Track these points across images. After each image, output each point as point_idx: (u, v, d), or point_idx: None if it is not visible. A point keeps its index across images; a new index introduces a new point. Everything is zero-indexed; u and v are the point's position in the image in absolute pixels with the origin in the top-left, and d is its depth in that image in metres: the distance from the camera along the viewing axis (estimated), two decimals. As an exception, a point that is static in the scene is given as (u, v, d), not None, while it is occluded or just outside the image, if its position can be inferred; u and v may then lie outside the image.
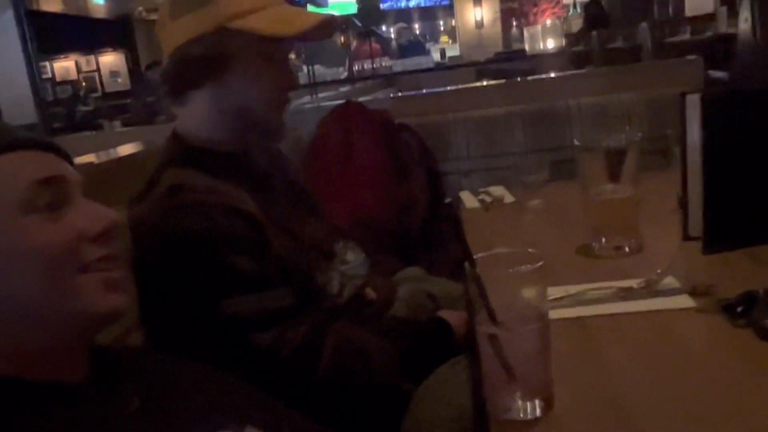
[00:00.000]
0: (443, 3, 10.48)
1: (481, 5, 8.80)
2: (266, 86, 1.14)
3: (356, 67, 7.85)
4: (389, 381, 1.12)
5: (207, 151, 1.14)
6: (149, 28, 7.46)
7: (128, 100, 7.37)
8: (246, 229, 1.05)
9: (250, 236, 1.05)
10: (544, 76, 3.01)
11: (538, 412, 0.75)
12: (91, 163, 1.47)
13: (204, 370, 0.84)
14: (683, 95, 1.17)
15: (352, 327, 1.13)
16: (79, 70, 9.53)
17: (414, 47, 8.79)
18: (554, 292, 0.99)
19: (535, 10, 9.68)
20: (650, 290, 1.03)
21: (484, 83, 3.17)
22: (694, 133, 1.17)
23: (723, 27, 5.74)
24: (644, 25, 5.98)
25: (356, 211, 1.85)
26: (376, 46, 8.36)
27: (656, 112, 2.28)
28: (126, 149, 1.98)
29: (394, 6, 11.00)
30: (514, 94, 2.69)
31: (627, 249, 1.21)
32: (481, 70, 5.70)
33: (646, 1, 7.30)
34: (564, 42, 6.47)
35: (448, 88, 2.96)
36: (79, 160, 1.40)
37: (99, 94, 9.05)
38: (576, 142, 1.30)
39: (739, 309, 0.89)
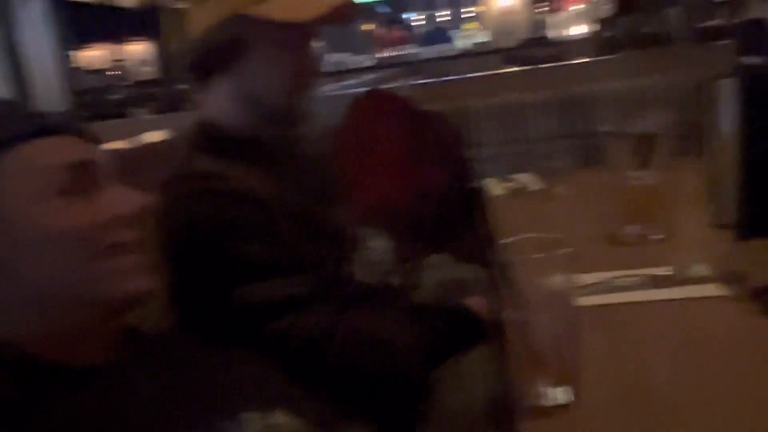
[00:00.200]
0: (469, -12, 10.38)
1: (507, -10, 8.69)
2: (283, 72, 1.14)
3: (381, 55, 7.82)
4: (409, 369, 1.12)
5: (228, 138, 1.15)
6: (177, 16, 7.51)
7: (156, 89, 7.43)
8: (261, 217, 1.05)
9: (265, 224, 1.05)
10: (571, 61, 2.97)
11: (566, 398, 0.74)
12: (117, 150, 1.49)
13: (228, 354, 0.85)
14: (715, 80, 1.15)
15: (369, 315, 1.13)
16: (107, 59, 9.63)
17: (439, 34, 8.73)
18: (582, 279, 0.98)
19: (563, -6, 9.54)
20: (680, 278, 1.01)
21: (511, 69, 3.14)
22: (726, 119, 1.15)
23: (757, 11, 5.60)
24: (674, 9, 5.85)
25: (381, 198, 1.85)
26: (401, 33, 8.31)
27: (686, 98, 2.24)
28: (153, 136, 2.00)
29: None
30: (541, 80, 2.66)
31: (655, 236, 1.20)
32: (508, 56, 5.63)
33: (677, -15, 7.14)
34: (592, 27, 6.37)
35: (474, 74, 2.93)
36: (107, 146, 1.41)
37: (127, 82, 9.14)
38: (605, 128, 1.28)
39: (771, 297, 0.88)
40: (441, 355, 1.14)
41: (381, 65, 6.90)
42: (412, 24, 9.55)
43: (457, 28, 9.16)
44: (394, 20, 8.50)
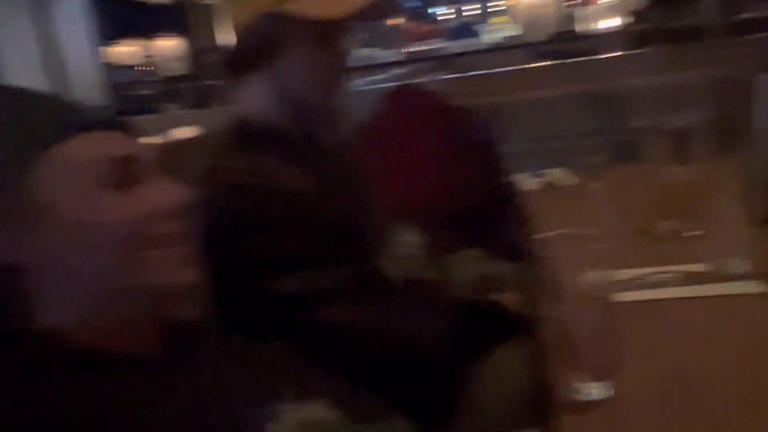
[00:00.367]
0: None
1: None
2: (317, 69, 1.15)
3: (409, 49, 7.81)
4: (443, 362, 1.13)
5: (263, 134, 1.16)
6: (206, 12, 7.57)
7: (186, 85, 7.51)
8: (296, 212, 1.06)
9: (300, 219, 1.06)
10: (602, 55, 2.93)
11: (603, 393, 0.74)
12: (153, 144, 1.51)
13: (265, 345, 0.86)
14: (751, 74, 1.13)
15: (404, 308, 1.14)
16: (138, 54, 9.76)
17: (467, 28, 8.69)
18: (618, 275, 0.98)
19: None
20: (717, 274, 1.00)
21: (542, 63, 3.11)
22: (763, 113, 1.13)
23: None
24: (708, 1, 5.74)
25: (412, 193, 1.85)
26: (428, 27, 8.29)
27: (723, 93, 2.20)
28: (183, 132, 2.03)
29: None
30: (573, 74, 2.63)
31: (692, 232, 1.19)
32: (538, 50, 5.58)
33: (711, -22, 7.00)
34: (624, 21, 6.29)
35: (505, 68, 2.91)
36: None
37: (158, 78, 9.26)
38: (640, 123, 1.27)
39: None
40: (474, 350, 1.14)
41: (408, 60, 6.89)
42: (440, 18, 9.51)
43: (485, 22, 9.10)
44: (421, 14, 8.48)
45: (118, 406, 0.65)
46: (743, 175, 1.22)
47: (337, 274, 1.05)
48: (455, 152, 2.06)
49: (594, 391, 0.74)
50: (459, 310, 1.22)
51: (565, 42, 5.80)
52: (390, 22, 8.51)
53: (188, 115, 4.31)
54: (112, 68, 7.38)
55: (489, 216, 2.00)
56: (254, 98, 1.17)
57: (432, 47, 7.70)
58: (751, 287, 0.96)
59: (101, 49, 6.44)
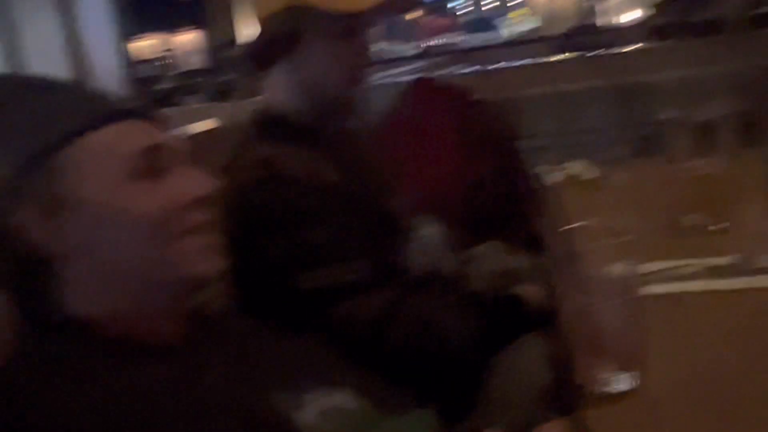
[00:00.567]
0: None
1: (555, -23, 8.52)
2: (339, 62, 1.15)
3: (427, 43, 7.78)
4: (465, 354, 1.13)
5: (286, 125, 1.16)
6: (226, 6, 7.59)
7: (205, 78, 7.55)
8: (325, 203, 1.07)
9: (329, 209, 1.07)
10: (623, 49, 2.90)
11: (628, 384, 0.74)
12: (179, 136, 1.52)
13: (288, 336, 0.87)
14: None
15: (426, 301, 1.14)
16: (157, 49, 9.82)
17: (486, 22, 8.64)
18: (643, 268, 0.97)
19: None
20: (743, 268, 0.99)
21: (562, 57, 3.08)
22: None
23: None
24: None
25: (432, 185, 1.85)
26: (445, 20, 8.26)
27: (747, 86, 2.17)
28: (203, 125, 2.04)
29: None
30: (594, 68, 2.62)
31: (717, 226, 1.18)
32: (557, 43, 5.54)
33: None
34: (645, 13, 6.22)
35: (525, 62, 2.90)
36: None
37: (176, 72, 9.30)
38: (666, 116, 1.26)
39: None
40: (495, 343, 1.14)
41: (427, 54, 6.87)
42: (459, 12, 9.45)
43: (504, 15, 9.03)
44: (440, 8, 8.44)
45: (146, 394, 0.66)
46: (768, 168, 1.21)
47: (360, 266, 1.05)
48: (476, 145, 2.05)
49: (619, 382, 0.74)
50: (480, 303, 1.22)
51: (585, 35, 5.74)
52: (409, 15, 8.48)
53: (209, 109, 4.34)
54: (133, 62, 7.43)
55: (510, 209, 1.99)
56: (278, 90, 1.18)
57: (451, 41, 7.67)
58: (777, 281, 0.95)
59: (123, 43, 6.50)
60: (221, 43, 7.38)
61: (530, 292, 1.26)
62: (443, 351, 1.09)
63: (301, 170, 1.08)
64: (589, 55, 2.81)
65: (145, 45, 8.75)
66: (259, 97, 1.22)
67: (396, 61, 5.26)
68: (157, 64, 8.56)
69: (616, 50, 2.96)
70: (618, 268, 0.76)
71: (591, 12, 6.91)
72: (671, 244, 1.15)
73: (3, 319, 0.72)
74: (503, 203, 2.02)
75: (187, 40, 8.65)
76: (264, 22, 1.14)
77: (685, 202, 1.21)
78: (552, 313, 1.03)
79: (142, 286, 0.72)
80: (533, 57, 3.17)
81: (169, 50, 8.67)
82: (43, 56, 5.33)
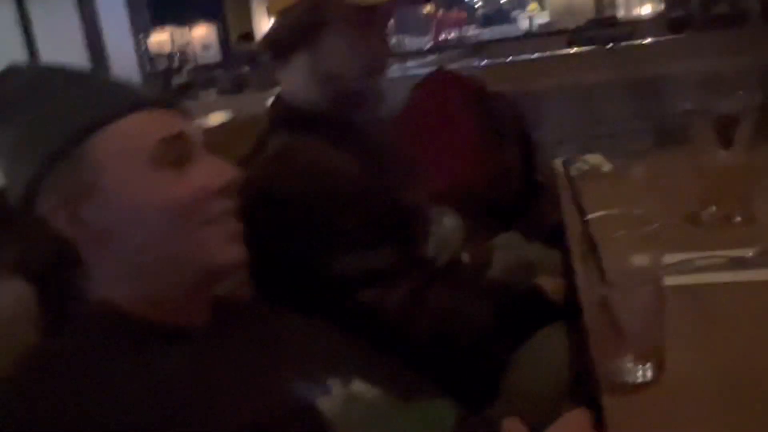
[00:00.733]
0: (532, -32, 10.13)
1: (572, -31, 8.43)
2: (359, 53, 1.15)
3: (441, 37, 7.74)
4: (486, 344, 1.13)
5: (308, 114, 1.17)
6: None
7: (219, 72, 7.57)
8: (349, 191, 1.08)
9: (354, 198, 1.07)
10: (644, 40, 2.87)
11: (649, 375, 0.74)
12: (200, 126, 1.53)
13: (311, 323, 0.88)
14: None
15: (448, 291, 1.15)
16: (173, 42, 9.85)
17: (500, 15, 8.58)
18: (663, 259, 0.97)
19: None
20: (765, 259, 0.99)
21: (581, 49, 3.06)
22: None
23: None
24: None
25: (450, 177, 1.85)
26: (461, 14, 8.21)
27: (763, 79, 2.15)
28: (218, 117, 2.05)
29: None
30: (611, 60, 2.60)
31: (738, 218, 1.17)
32: (573, 37, 5.50)
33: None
34: (662, 6, 6.16)
35: (542, 54, 2.88)
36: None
37: (191, 66, 9.33)
38: (686, 107, 1.25)
39: None
40: (514, 334, 1.14)
41: (442, 47, 6.84)
42: (476, 5, 9.40)
43: (521, 8, 8.97)
44: (457, 1, 8.39)
45: (170, 377, 0.67)
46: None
47: (384, 254, 1.06)
48: (493, 137, 2.05)
49: (641, 372, 0.74)
50: (502, 294, 1.22)
51: (600, 28, 5.69)
52: (425, 8, 8.44)
53: (225, 101, 4.35)
54: (150, 55, 7.47)
55: (525, 201, 1.99)
56: (296, 81, 1.18)
57: (468, 34, 7.63)
58: (799, 273, 0.94)
59: (140, 36, 6.54)
60: (239, 35, 7.40)
61: (550, 283, 1.27)
62: (465, 340, 1.09)
63: (321, 160, 1.09)
64: (608, 47, 2.78)
65: (160, 39, 8.78)
66: (275, 89, 1.23)
67: (412, 55, 5.25)
68: (174, 57, 8.60)
69: (636, 42, 2.93)
70: (640, 259, 0.75)
71: (611, 4, 6.84)
72: (691, 235, 1.14)
73: (29, 306, 0.73)
74: (522, 194, 2.02)
75: (204, 33, 8.68)
76: (282, 14, 1.15)
77: (705, 195, 1.20)
78: (573, 304, 1.03)
79: (165, 273, 0.73)
80: (551, 50, 3.15)
81: (186, 44, 8.70)
82: (61, 49, 5.38)
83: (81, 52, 5.49)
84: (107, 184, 0.71)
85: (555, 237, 1.38)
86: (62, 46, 5.40)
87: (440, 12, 8.38)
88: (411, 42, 7.38)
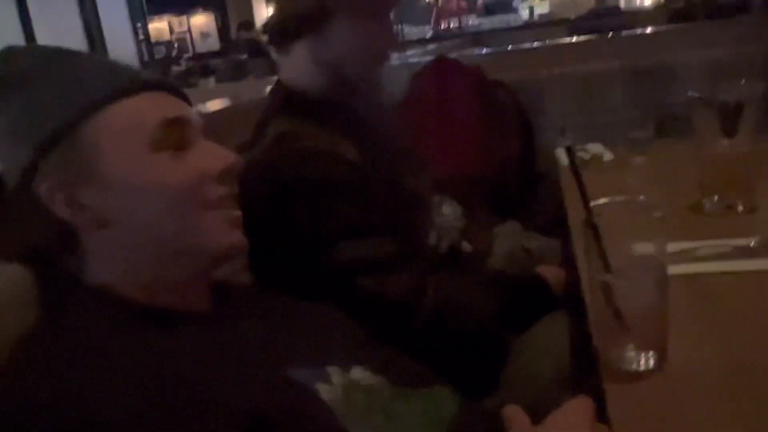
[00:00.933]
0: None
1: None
2: (365, 42, 1.15)
3: (442, 26, 7.72)
4: (488, 331, 1.13)
5: (309, 100, 1.16)
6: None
7: (218, 60, 7.55)
8: (351, 177, 1.07)
9: (355, 184, 1.07)
10: (645, 30, 2.86)
11: (651, 364, 0.73)
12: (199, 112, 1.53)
13: (311, 309, 0.87)
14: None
15: (452, 278, 1.14)
16: (171, 31, 9.83)
17: (501, 4, 8.55)
18: (666, 247, 0.96)
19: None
20: (767, 249, 0.98)
21: (580, 38, 3.04)
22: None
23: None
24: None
25: (451, 165, 1.84)
26: (461, 3, 8.19)
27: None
28: (216, 104, 2.04)
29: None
30: (612, 49, 2.58)
31: (741, 207, 1.16)
32: (574, 27, 5.47)
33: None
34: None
35: (542, 43, 2.86)
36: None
37: (190, 54, 9.31)
38: (689, 97, 1.24)
39: None
40: (516, 322, 1.14)
41: (442, 36, 6.83)
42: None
43: (522, -2, 8.92)
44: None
45: (171, 361, 0.66)
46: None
47: (386, 241, 1.05)
48: (494, 125, 2.04)
49: (644, 360, 0.73)
50: (499, 283, 1.22)
51: (601, 18, 5.67)
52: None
53: (223, 89, 4.34)
54: (149, 43, 7.45)
55: (525, 190, 1.98)
56: (299, 68, 1.17)
57: (469, 23, 7.61)
58: (802, 262, 0.93)
59: (139, 24, 6.52)
60: (238, 24, 7.37)
61: (550, 272, 1.26)
62: (465, 328, 1.09)
63: (321, 146, 1.08)
64: (611, 35, 2.76)
65: (161, 27, 8.74)
66: (274, 77, 1.22)
67: (412, 44, 5.23)
68: (174, 44, 8.57)
69: (638, 31, 2.91)
70: (643, 247, 0.75)
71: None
72: (694, 224, 1.14)
73: (27, 291, 0.73)
74: (522, 183, 2.01)
75: (203, 21, 8.66)
76: (285, 0, 1.14)
77: (708, 184, 1.19)
78: (574, 293, 1.02)
79: (164, 257, 0.72)
80: (553, 39, 3.14)
81: (184, 32, 8.67)
82: (59, 37, 5.36)
83: (79, 39, 5.47)
84: (106, 166, 0.70)
85: (555, 226, 1.38)
86: (60, 34, 5.38)
87: (441, 1, 8.35)
88: (411, 31, 7.35)
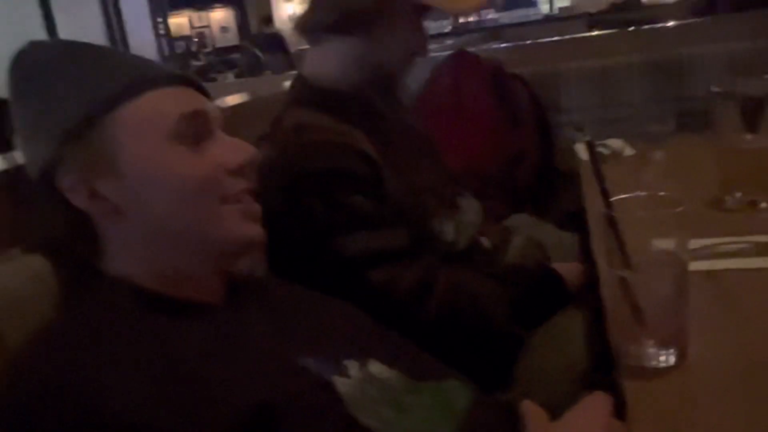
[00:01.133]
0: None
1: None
2: (406, 44, 1.17)
3: (461, 20, 7.67)
4: (501, 326, 1.13)
5: (331, 94, 1.16)
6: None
7: (237, 55, 7.58)
8: (365, 170, 1.07)
9: (369, 177, 1.07)
10: (666, 23, 2.81)
11: (671, 360, 0.73)
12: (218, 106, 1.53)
13: (327, 302, 0.87)
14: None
15: (464, 272, 1.14)
16: (191, 26, 9.89)
17: (521, -1, 8.49)
18: (687, 244, 0.95)
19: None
20: (790, 246, 0.97)
21: (600, 32, 3.00)
22: None
23: None
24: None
25: (467, 158, 1.84)
26: (482, -2, 8.12)
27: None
28: (235, 99, 2.04)
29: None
30: (633, 43, 2.54)
31: (763, 204, 1.14)
32: (594, 21, 5.41)
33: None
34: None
35: (562, 37, 2.83)
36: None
37: (210, 49, 9.36)
38: (711, 91, 1.22)
39: None
40: (533, 315, 1.14)
41: (461, 30, 6.78)
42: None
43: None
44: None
45: (186, 351, 0.66)
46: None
47: (400, 233, 1.05)
48: (509, 119, 2.03)
49: (662, 358, 0.73)
50: (513, 276, 1.22)
51: (622, 12, 5.60)
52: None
53: (243, 84, 4.35)
54: (169, 38, 7.49)
55: (541, 184, 1.97)
56: (330, 61, 1.17)
57: (489, 17, 7.57)
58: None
59: (159, 19, 6.56)
60: (258, 19, 7.39)
61: (564, 268, 1.25)
62: (478, 322, 1.09)
63: (337, 137, 1.08)
64: (632, 29, 2.72)
65: (181, 22, 8.79)
66: (292, 72, 1.23)
67: (431, 38, 5.20)
68: (193, 39, 8.61)
69: (658, 25, 2.87)
70: (663, 243, 0.74)
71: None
72: (715, 221, 1.12)
73: (47, 282, 0.74)
74: (538, 177, 2.00)
75: (223, 17, 8.69)
76: None
77: (729, 179, 1.17)
78: (591, 288, 1.02)
79: (182, 249, 0.73)
80: (573, 33, 3.09)
81: (204, 27, 8.71)
82: (80, 32, 5.41)
83: (100, 34, 5.52)
84: (126, 159, 0.70)
85: (571, 220, 1.37)
86: (82, 29, 5.43)
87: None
88: (430, 25, 7.31)
